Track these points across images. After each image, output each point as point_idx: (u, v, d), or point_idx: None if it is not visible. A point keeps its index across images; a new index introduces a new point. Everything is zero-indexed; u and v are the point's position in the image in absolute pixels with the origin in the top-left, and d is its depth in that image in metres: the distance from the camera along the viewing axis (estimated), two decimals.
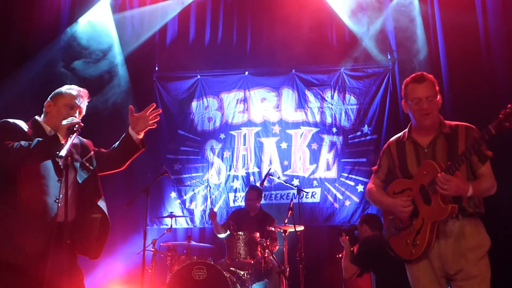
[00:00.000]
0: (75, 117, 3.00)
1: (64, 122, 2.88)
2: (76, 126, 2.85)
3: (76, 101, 3.06)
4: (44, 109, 3.08)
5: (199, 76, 7.82)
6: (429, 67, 6.69)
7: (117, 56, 7.40)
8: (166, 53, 7.81)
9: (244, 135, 7.59)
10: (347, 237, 4.71)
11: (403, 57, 6.99)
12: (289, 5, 7.12)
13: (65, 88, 3.12)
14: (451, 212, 2.78)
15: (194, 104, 7.76)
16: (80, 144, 3.15)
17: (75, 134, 2.83)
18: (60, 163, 2.81)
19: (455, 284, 2.86)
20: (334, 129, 7.37)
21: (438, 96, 3.02)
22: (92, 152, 3.18)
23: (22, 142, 2.73)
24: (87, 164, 3.08)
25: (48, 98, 3.11)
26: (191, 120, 7.71)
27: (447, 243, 2.86)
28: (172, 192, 7.44)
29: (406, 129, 3.14)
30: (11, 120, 2.91)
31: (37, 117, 3.05)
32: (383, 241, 4.66)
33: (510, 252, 5.23)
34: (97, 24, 7.38)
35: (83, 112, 3.14)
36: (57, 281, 2.64)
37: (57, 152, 2.60)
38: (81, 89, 3.16)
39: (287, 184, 6.44)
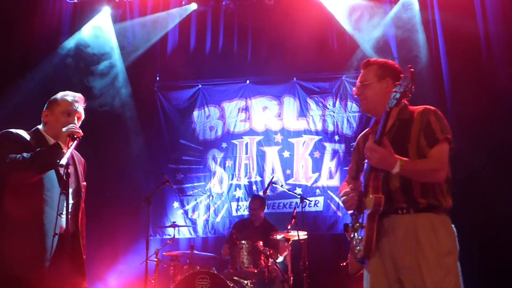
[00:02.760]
0: (75, 123, 2.97)
1: (64, 129, 2.86)
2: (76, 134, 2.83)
3: (73, 107, 3.02)
4: (42, 119, 3.04)
5: (200, 85, 7.82)
6: (431, 73, 6.71)
7: (118, 66, 7.42)
8: (167, 62, 7.82)
9: (246, 144, 7.57)
10: None
11: (405, 64, 6.97)
12: (289, 13, 7.15)
13: (60, 95, 3.08)
14: (375, 203, 2.50)
15: (195, 113, 7.74)
16: (78, 165, 3.13)
17: (76, 141, 2.81)
18: (62, 172, 2.77)
19: None
20: (336, 137, 7.34)
21: (385, 82, 2.73)
22: (85, 184, 3.17)
23: (25, 154, 2.72)
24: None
25: (44, 107, 3.07)
26: (193, 130, 7.69)
27: (398, 243, 2.55)
28: (175, 202, 7.41)
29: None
30: (13, 131, 2.89)
31: (39, 127, 3.03)
32: None
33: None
34: (98, 34, 7.43)
35: (82, 117, 3.10)
36: None
37: (58, 161, 2.57)
38: (76, 94, 3.12)
39: (290, 193, 6.39)
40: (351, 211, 2.82)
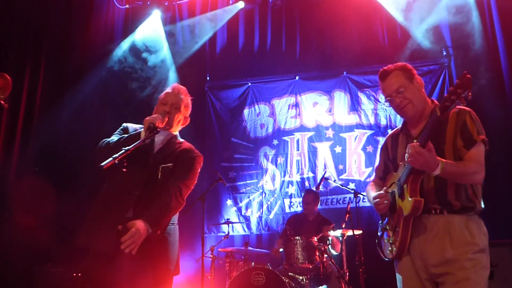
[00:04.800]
0: (166, 111, 3.01)
1: (147, 118, 2.90)
2: (153, 124, 2.82)
3: (169, 96, 3.09)
4: None
5: (249, 84, 7.87)
6: (488, 61, 6.43)
7: (169, 67, 7.61)
8: (217, 62, 7.93)
9: (297, 140, 7.55)
10: None
11: (460, 52, 6.73)
12: (337, 6, 7.04)
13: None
14: (414, 207, 2.51)
15: (246, 111, 7.80)
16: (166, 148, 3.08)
17: (153, 134, 2.82)
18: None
19: None
20: (390, 131, 7.16)
21: (415, 80, 2.74)
22: (171, 165, 3.00)
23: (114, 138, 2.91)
24: (159, 171, 2.96)
25: None
26: (244, 128, 7.75)
27: (428, 242, 2.55)
28: (228, 200, 7.49)
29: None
30: (126, 124, 3.10)
31: None
32: None
33: None
34: (149, 37, 7.64)
35: (180, 106, 3.08)
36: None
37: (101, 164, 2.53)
38: (175, 85, 3.22)
39: (344, 188, 6.32)
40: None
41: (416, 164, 2.45)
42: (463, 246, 2.47)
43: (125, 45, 7.51)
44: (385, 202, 2.74)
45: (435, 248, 2.52)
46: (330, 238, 5.75)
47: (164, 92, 3.16)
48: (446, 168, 2.43)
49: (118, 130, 3.05)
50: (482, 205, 2.61)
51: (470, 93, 2.25)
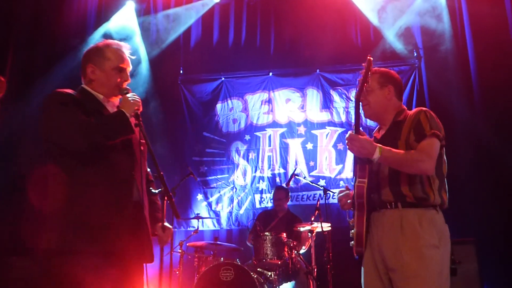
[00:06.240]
0: (127, 77, 2.73)
1: (130, 98, 2.62)
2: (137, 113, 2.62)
3: (124, 62, 2.71)
4: (86, 75, 2.69)
5: (223, 78, 7.85)
6: (457, 62, 6.58)
7: (142, 59, 7.50)
8: (190, 55, 7.87)
9: (269, 136, 7.57)
10: None
11: (430, 54, 6.86)
12: (312, 4, 7.08)
13: (104, 47, 2.70)
14: (357, 193, 2.65)
15: (218, 106, 7.78)
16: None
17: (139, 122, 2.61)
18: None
19: (394, 284, 2.56)
20: (360, 129, 7.25)
21: (386, 89, 2.83)
22: (143, 142, 2.81)
23: (93, 120, 2.50)
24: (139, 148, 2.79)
25: (86, 61, 2.69)
26: (216, 122, 7.73)
27: (384, 236, 2.62)
28: (199, 194, 7.46)
29: None
30: (64, 91, 2.56)
31: (84, 86, 2.69)
32: None
33: None
34: (122, 28, 7.50)
35: (130, 66, 2.78)
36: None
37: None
38: (120, 44, 2.76)
39: (314, 185, 6.36)
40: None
41: (353, 150, 2.60)
42: (413, 241, 2.52)
43: (97, 35, 7.36)
44: (348, 201, 2.83)
45: (389, 241, 2.59)
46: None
47: (116, 52, 2.69)
48: (384, 153, 2.54)
49: (67, 101, 2.52)
50: (443, 200, 2.65)
51: (369, 72, 2.61)
